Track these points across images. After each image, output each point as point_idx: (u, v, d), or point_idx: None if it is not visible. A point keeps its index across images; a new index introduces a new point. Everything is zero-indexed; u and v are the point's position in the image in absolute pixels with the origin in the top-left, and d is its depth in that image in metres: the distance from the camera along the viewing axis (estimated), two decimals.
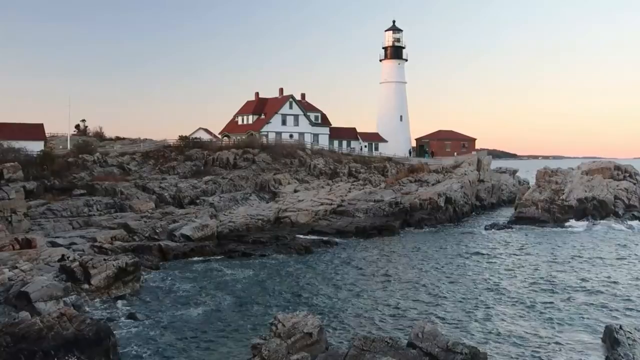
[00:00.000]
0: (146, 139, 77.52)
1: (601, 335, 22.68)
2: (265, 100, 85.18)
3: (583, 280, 33.43)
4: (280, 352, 17.62)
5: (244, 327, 24.67)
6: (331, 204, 58.96)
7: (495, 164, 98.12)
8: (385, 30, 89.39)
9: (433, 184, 67.38)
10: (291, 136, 79.05)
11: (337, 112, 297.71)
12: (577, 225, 55.76)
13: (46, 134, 64.11)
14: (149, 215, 47.71)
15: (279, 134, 78.13)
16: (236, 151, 65.85)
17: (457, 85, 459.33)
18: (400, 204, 59.79)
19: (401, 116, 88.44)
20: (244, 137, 76.23)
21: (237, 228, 48.97)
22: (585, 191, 62.09)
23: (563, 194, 61.91)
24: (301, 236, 48.34)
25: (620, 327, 21.76)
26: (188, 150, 64.51)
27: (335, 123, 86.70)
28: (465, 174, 70.71)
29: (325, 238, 47.48)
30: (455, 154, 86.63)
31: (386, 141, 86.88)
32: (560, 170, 67.95)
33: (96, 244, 39.01)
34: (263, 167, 64.79)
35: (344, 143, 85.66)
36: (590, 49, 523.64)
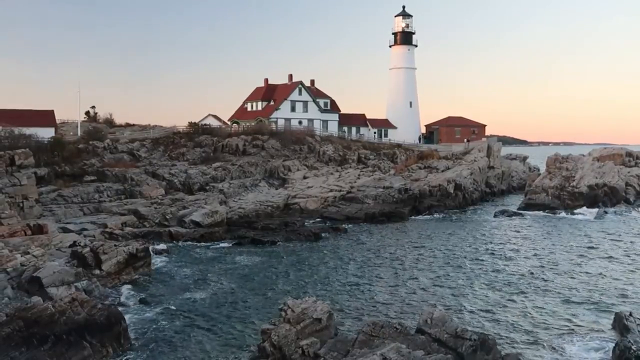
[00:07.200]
0: (156, 126, 77.60)
1: (611, 322, 22.63)
2: (274, 86, 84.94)
3: (592, 267, 33.30)
4: (290, 337, 17.72)
5: (253, 313, 24.82)
6: (340, 191, 58.97)
7: (506, 150, 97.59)
8: (395, 16, 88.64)
9: (442, 171, 67.13)
10: (300, 122, 78.83)
11: (346, 99, 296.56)
12: (587, 212, 55.38)
13: (56, 121, 64.35)
14: (159, 201, 47.95)
15: (288, 120, 77.92)
16: (245, 138, 65.86)
17: (467, 72, 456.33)
18: (410, 191, 59.69)
19: (411, 102, 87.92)
20: (253, 124, 76.16)
21: (247, 214, 49.15)
22: (596, 178, 61.63)
23: (574, 180, 61.46)
24: (310, 222, 48.47)
25: (630, 314, 21.72)
26: (197, 137, 64.57)
27: (344, 109, 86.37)
28: (475, 161, 70.37)
29: (334, 224, 47.55)
30: (466, 140, 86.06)
31: (395, 127, 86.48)
32: (571, 156, 67.44)
33: (107, 229, 39.32)
34: (272, 154, 64.79)
35: (353, 129, 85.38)
36: (602, 36, 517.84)
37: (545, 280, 30.15)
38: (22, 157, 42.31)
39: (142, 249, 31.42)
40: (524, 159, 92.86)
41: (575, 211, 56.39)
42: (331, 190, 58.48)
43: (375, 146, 75.63)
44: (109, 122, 79.88)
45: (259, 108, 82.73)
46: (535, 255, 36.87)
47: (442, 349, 17.20)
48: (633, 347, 18.22)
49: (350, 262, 34.72)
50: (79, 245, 30.58)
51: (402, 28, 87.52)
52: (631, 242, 41.32)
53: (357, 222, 50.10)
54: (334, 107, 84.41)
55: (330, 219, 50.57)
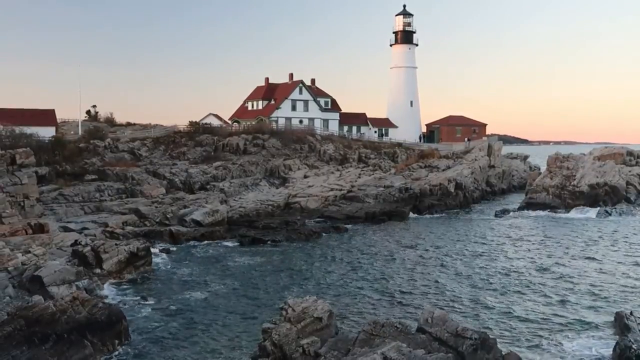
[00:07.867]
0: (157, 125, 77.58)
1: (611, 321, 22.63)
2: (275, 85, 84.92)
3: (593, 266, 33.28)
4: (291, 336, 17.71)
5: (254, 312, 24.84)
6: (341, 190, 58.94)
7: (506, 149, 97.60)
8: (396, 15, 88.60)
9: (443, 170, 67.12)
10: (301, 122, 78.82)
11: (347, 98, 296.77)
12: (588, 211, 55.31)
13: (57, 120, 64.36)
14: (160, 200, 47.96)
15: (288, 119, 77.93)
16: (246, 137, 65.83)
17: (468, 71, 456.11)
18: (410, 190, 59.66)
19: (411, 101, 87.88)
20: (253, 123, 76.12)
21: (247, 213, 49.14)
22: (597, 177, 61.56)
23: (574, 179, 61.40)
24: (311, 221, 48.45)
25: (631, 313, 21.72)
26: (198, 136, 64.55)
27: (345, 108, 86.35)
28: (475, 160, 70.34)
29: (335, 223, 47.54)
30: (467, 139, 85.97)
31: (396, 127, 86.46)
32: (571, 155, 67.39)
33: (108, 229, 39.33)
34: (273, 153, 64.77)
35: (354, 128, 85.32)
36: (603, 36, 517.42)
37: (546, 279, 30.14)
38: (23, 156, 42.28)
39: (143, 248, 31.47)
40: (525, 158, 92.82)
41: (576, 210, 56.36)
42: (332, 190, 58.47)
43: (375, 145, 75.62)
44: (110, 121, 79.93)
45: (260, 107, 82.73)
46: (536, 254, 36.85)
47: (443, 348, 17.18)
48: (634, 346, 18.23)
49: (350, 261, 34.72)
50: (80, 244, 30.62)
51: (403, 27, 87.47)
52: (632, 241, 41.29)
53: (358, 221, 50.10)
54: (334, 106, 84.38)
55: (330, 218, 50.58)
